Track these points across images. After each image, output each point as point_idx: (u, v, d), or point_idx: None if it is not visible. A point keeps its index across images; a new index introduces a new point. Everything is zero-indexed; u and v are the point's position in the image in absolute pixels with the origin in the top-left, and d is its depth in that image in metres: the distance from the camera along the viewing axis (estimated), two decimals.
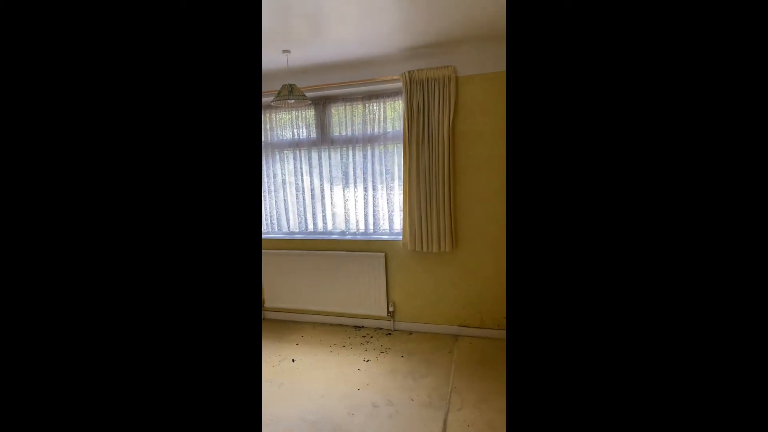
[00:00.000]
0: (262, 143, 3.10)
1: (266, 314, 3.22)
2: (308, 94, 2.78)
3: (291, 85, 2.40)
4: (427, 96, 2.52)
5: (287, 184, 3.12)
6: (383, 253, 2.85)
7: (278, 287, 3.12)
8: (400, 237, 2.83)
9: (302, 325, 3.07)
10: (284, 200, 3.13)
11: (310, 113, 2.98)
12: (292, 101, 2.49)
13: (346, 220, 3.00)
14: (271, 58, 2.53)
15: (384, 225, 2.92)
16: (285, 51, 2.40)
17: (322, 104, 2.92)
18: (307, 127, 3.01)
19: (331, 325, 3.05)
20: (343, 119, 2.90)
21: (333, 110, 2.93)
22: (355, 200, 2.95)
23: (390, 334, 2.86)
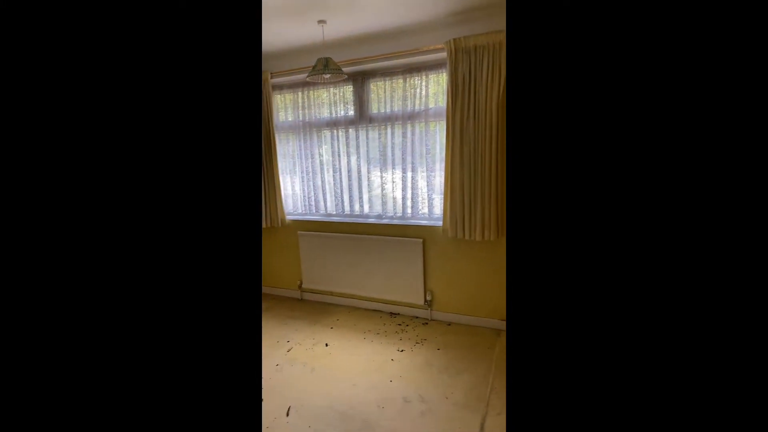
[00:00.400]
0: (300, 122, 3.02)
1: (303, 295, 3.23)
2: (345, 69, 2.63)
3: (326, 58, 2.26)
4: (475, 66, 2.26)
5: (324, 165, 3.03)
6: (421, 239, 2.68)
7: (315, 269, 3.10)
8: (440, 223, 2.64)
9: (338, 308, 3.04)
10: (321, 182, 3.06)
11: (348, 90, 2.83)
12: (328, 76, 2.35)
13: (383, 203, 2.86)
14: (306, 30, 2.40)
15: (423, 209, 2.74)
16: (320, 21, 2.25)
17: (360, 79, 2.75)
18: (345, 104, 2.87)
19: (366, 310, 2.98)
20: (382, 95, 2.72)
21: (372, 86, 2.75)
22: (393, 182, 2.79)
23: (426, 323, 2.72)
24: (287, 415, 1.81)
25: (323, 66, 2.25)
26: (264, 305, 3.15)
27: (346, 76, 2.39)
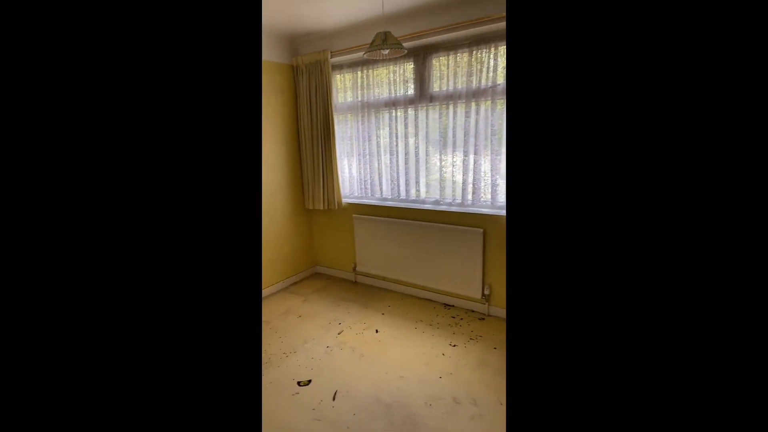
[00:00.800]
0: (359, 103, 2.94)
1: (357, 278, 3.23)
2: (406, 44, 2.46)
3: (385, 32, 2.12)
4: None
5: (382, 147, 2.93)
6: (482, 229, 2.48)
7: (369, 253, 3.07)
8: (504, 212, 2.40)
9: (390, 293, 2.98)
10: (378, 164, 2.97)
11: (409, 67, 2.66)
12: (387, 52, 2.21)
13: (442, 188, 2.69)
14: (366, 2, 2.27)
15: (485, 196, 2.52)
16: None
17: (421, 55, 2.57)
18: (405, 83, 2.71)
19: (419, 298, 2.88)
20: (445, 71, 2.51)
21: (434, 61, 2.55)
22: (453, 165, 2.60)
23: (483, 319, 2.55)
24: (333, 399, 1.81)
25: (381, 41, 2.12)
26: (319, 284, 3.22)
27: (405, 51, 2.23)
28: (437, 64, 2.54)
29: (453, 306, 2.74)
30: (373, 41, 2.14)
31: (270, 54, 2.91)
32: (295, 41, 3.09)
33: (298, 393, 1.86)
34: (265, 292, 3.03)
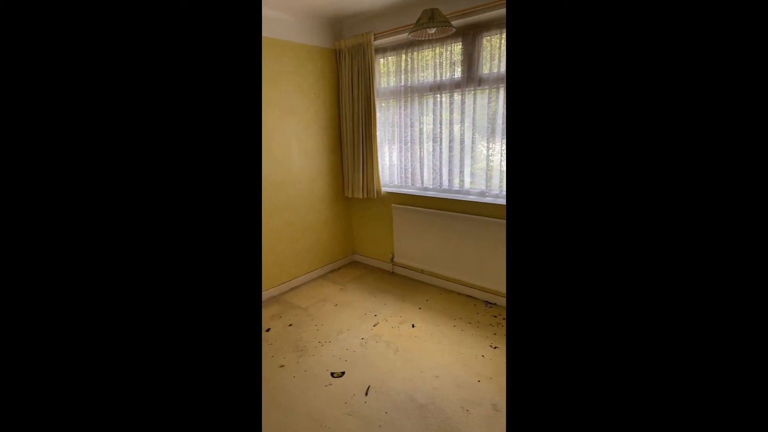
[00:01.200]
0: (402, 87, 2.81)
1: (395, 269, 3.17)
2: (455, 22, 2.28)
3: (432, 9, 1.96)
4: None
5: (425, 134, 2.80)
6: None
7: (407, 244, 2.98)
8: None
9: (428, 287, 2.88)
10: (420, 152, 2.84)
11: (457, 47, 2.48)
12: (433, 30, 2.06)
13: (488, 179, 2.51)
14: None
15: None
16: None
17: (471, 34, 2.37)
18: (452, 65, 2.53)
19: (458, 294, 2.76)
20: (496, 52, 2.31)
21: (484, 41, 2.35)
22: (501, 155, 2.41)
23: None
24: (366, 394, 1.77)
25: (428, 19, 1.97)
26: (356, 273, 3.19)
27: (454, 30, 2.06)
28: (488, 44, 2.34)
29: (495, 304, 2.59)
30: (419, 20, 2.00)
31: (312, 38, 2.86)
32: (338, 24, 3.00)
33: (331, 384, 1.84)
34: (303, 278, 3.06)
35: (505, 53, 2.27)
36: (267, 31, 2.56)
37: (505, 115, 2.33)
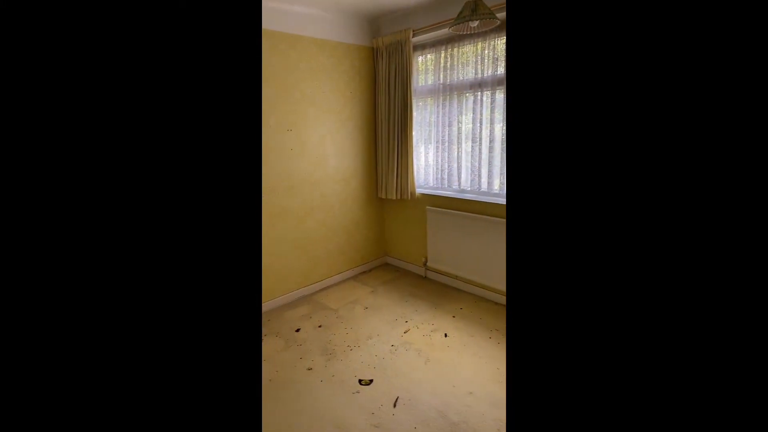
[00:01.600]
0: (441, 85, 2.71)
1: (428, 273, 3.06)
2: (500, 15, 2.14)
3: (475, 1, 1.85)
4: None
5: (463, 134, 2.67)
6: None
7: (442, 248, 2.86)
8: None
9: (462, 294, 2.75)
10: (458, 153, 2.72)
11: (500, 42, 2.34)
12: (476, 24, 1.94)
13: None
14: None
15: None
16: None
17: None
18: (494, 61, 2.39)
19: (495, 303, 2.60)
20: None
21: None
22: None
23: None
24: (394, 405, 1.69)
25: (471, 11, 1.85)
26: (388, 276, 3.12)
27: (498, 22, 1.93)
28: None
29: None
30: (461, 12, 1.89)
31: (349, 36, 2.82)
32: (375, 21, 2.95)
33: (358, 392, 1.78)
34: (334, 279, 3.03)
35: None
36: (304, 30, 2.55)
37: None
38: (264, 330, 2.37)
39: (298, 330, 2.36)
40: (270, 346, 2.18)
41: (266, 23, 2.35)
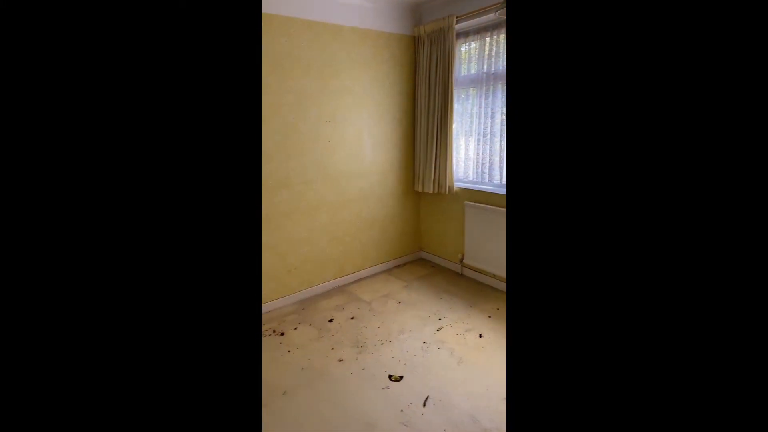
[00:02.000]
0: (484, 75, 2.58)
1: (464, 270, 2.97)
2: None
3: None
4: None
5: (504, 126, 2.53)
6: None
7: (479, 245, 2.75)
8: None
9: (499, 294, 2.64)
10: (500, 146, 2.58)
11: None
12: None
13: None
14: None
15: None
16: None
17: None
18: None
19: None
20: None
21: None
22: None
23: None
24: (424, 405, 1.65)
25: None
26: (422, 272, 3.07)
27: None
28: None
29: None
30: None
31: (389, 25, 2.76)
32: (418, 9, 2.85)
33: (388, 388, 1.76)
34: (368, 271, 3.03)
35: None
36: (344, 20, 2.52)
37: None
38: (298, 318, 2.42)
39: (331, 320, 2.38)
40: (304, 335, 2.23)
41: (310, 14, 2.35)
